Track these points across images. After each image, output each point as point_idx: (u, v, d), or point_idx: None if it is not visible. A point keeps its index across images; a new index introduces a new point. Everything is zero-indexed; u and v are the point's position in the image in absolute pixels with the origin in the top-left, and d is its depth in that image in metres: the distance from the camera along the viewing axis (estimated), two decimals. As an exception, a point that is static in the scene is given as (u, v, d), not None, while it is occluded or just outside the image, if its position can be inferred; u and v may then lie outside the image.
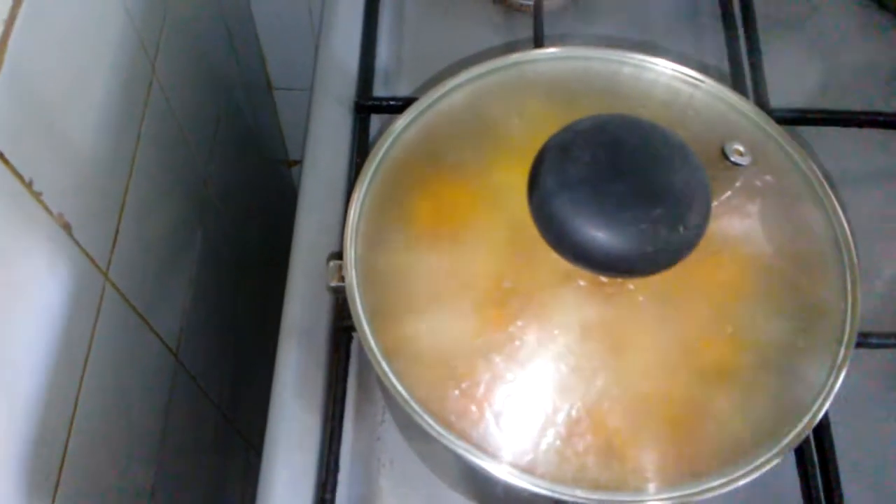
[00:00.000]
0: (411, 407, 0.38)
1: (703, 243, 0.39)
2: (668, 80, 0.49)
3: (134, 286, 0.63)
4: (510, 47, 0.68)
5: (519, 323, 0.39)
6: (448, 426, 0.38)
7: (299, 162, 1.06)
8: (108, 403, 0.60)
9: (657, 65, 0.49)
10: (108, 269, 0.58)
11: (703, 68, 0.55)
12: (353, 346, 0.52)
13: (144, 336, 0.67)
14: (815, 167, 0.47)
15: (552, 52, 0.49)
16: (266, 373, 0.55)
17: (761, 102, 0.62)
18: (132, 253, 0.62)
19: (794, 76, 0.67)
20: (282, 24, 0.98)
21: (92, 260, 0.55)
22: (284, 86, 1.09)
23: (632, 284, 0.38)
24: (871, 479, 0.51)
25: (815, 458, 0.49)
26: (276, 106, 1.13)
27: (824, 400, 0.42)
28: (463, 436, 0.37)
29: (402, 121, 0.45)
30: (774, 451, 0.41)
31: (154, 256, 0.69)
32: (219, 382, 0.89)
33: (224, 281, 0.92)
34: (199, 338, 0.82)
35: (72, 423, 0.53)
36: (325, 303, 0.54)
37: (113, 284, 0.59)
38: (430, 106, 0.46)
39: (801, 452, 0.49)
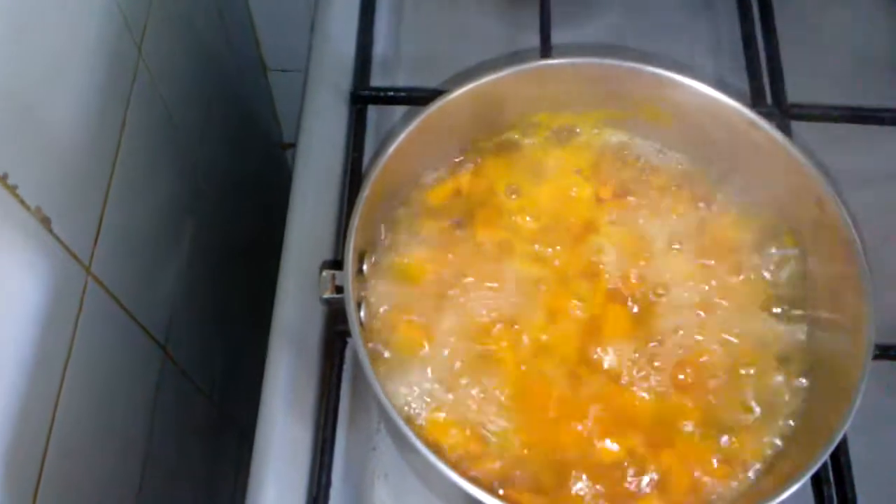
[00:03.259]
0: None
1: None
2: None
3: (119, 279, 0.60)
4: (513, 37, 0.64)
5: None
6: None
7: (294, 144, 1.03)
8: (92, 400, 0.58)
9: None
10: (90, 262, 0.55)
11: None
12: (348, 352, 0.50)
13: (130, 330, 0.64)
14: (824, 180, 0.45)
15: (561, 62, 0.47)
16: (260, 361, 0.52)
17: (778, 98, 0.59)
18: (117, 245, 0.60)
19: (811, 69, 0.64)
20: (276, 3, 0.94)
21: (73, 254, 0.53)
22: (279, 67, 1.05)
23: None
24: (889, 498, 0.49)
25: (832, 479, 0.46)
26: (271, 87, 1.10)
27: (843, 423, 0.40)
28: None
29: (392, 145, 0.43)
30: (794, 476, 0.39)
31: (141, 247, 0.66)
32: (210, 373, 0.87)
33: (216, 268, 0.90)
34: (189, 328, 0.79)
35: (52, 424, 0.51)
36: (318, 307, 0.51)
37: (96, 279, 0.56)
38: (424, 120, 0.44)
39: (816, 474, 0.47)
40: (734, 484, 0.43)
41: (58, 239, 0.50)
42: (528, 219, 0.48)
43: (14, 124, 0.45)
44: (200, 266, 0.82)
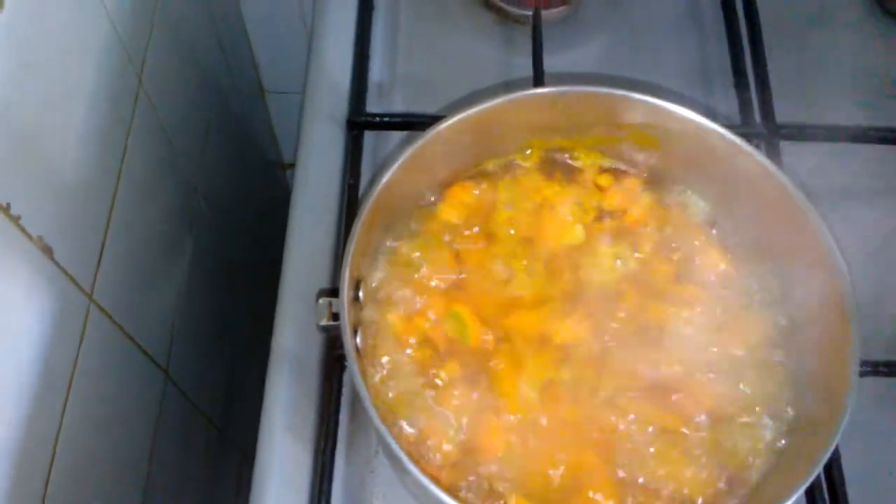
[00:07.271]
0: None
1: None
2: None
3: (120, 305, 0.61)
4: (507, 62, 0.65)
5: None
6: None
7: (294, 165, 1.04)
8: (94, 426, 0.58)
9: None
10: (92, 289, 0.56)
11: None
12: (346, 376, 0.50)
13: (132, 354, 0.65)
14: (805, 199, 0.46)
15: (552, 91, 0.48)
16: (261, 382, 0.53)
17: (767, 117, 0.60)
18: (118, 271, 0.60)
19: (800, 89, 0.65)
20: (273, 27, 0.96)
21: (75, 282, 0.53)
22: (277, 89, 1.07)
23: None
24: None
25: (826, 495, 0.47)
26: (270, 109, 1.11)
27: (832, 439, 0.41)
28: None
29: (385, 175, 0.44)
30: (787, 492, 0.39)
31: (142, 272, 0.67)
32: (211, 395, 0.88)
33: (216, 289, 0.90)
34: (190, 350, 0.80)
35: (55, 449, 0.52)
36: (316, 332, 0.52)
37: (98, 305, 0.57)
38: (419, 148, 0.44)
39: (811, 489, 0.47)
40: (729, 500, 0.44)
41: (60, 267, 0.51)
42: (522, 244, 0.49)
43: (17, 155, 0.46)
44: (200, 287, 0.83)
